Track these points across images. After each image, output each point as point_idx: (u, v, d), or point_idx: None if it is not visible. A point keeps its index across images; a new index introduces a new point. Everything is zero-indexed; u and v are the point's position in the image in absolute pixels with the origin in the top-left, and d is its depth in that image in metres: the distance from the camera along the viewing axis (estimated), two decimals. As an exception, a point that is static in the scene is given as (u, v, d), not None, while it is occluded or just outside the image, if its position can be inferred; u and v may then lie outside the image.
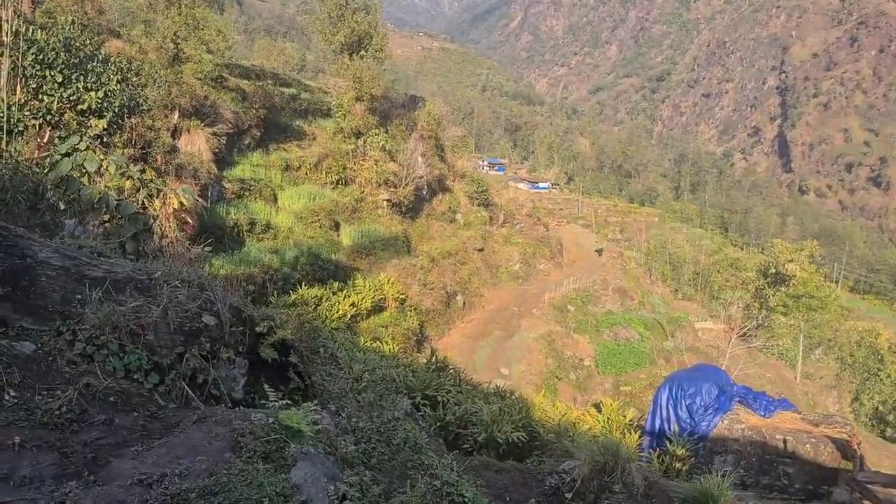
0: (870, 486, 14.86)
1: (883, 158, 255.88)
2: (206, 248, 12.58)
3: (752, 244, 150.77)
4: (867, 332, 79.17)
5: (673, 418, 20.15)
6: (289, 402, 5.32)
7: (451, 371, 24.78)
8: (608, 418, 21.12)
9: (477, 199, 57.09)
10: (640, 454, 20.05)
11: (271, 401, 5.05)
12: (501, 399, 23.48)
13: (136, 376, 5.03)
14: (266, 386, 5.93)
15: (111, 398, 4.66)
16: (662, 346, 54.02)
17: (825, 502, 18.09)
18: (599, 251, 60.93)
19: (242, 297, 6.48)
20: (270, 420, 4.47)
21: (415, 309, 37.67)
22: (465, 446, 19.58)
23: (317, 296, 28.73)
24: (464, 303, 45.64)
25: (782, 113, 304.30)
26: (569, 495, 9.20)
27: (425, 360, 26.34)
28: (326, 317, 27.90)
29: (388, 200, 42.55)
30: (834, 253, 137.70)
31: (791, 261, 77.16)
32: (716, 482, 8.43)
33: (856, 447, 18.16)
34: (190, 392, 5.06)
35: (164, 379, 5.05)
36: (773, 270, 78.78)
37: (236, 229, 30.19)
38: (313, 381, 6.39)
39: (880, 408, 67.07)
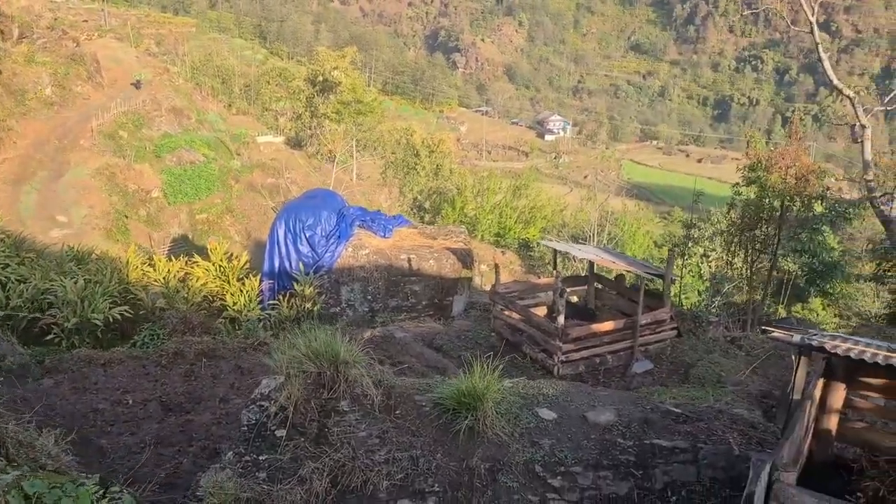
0: (509, 296, 15.02)
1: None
2: None
3: (293, 53, 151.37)
4: (404, 131, 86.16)
5: (294, 255, 18.01)
6: None
7: (2, 237, 18.62)
8: (220, 266, 18.07)
9: (-27, 6, 43.83)
10: (264, 302, 17.79)
11: None
12: (81, 264, 18.52)
13: None
14: None
15: None
16: (230, 165, 51.03)
17: (448, 313, 18.40)
18: (137, 83, 52.48)
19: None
20: None
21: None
22: (49, 336, 14.91)
23: None
24: (-16, 141, 35.76)
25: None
26: (281, 433, 6.41)
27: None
28: None
29: None
30: (365, 58, 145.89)
31: (336, 68, 78.41)
32: (480, 374, 6.46)
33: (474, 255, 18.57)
34: None
35: None
36: (320, 79, 79.35)
37: None
38: None
39: (418, 197, 74.45)
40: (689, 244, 29.70)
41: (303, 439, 6.39)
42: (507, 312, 14.80)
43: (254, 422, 6.56)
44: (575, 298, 17.40)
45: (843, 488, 5.92)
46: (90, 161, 38.80)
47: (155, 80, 57.17)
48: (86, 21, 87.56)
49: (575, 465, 6.18)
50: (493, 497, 6.02)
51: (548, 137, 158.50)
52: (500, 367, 6.62)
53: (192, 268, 18.28)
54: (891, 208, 20.48)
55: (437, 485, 6.08)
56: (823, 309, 29.33)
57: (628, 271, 14.83)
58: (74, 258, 19.37)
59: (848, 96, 19.53)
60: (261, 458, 6.26)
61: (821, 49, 19.42)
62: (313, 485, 6.01)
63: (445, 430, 6.44)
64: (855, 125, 19.30)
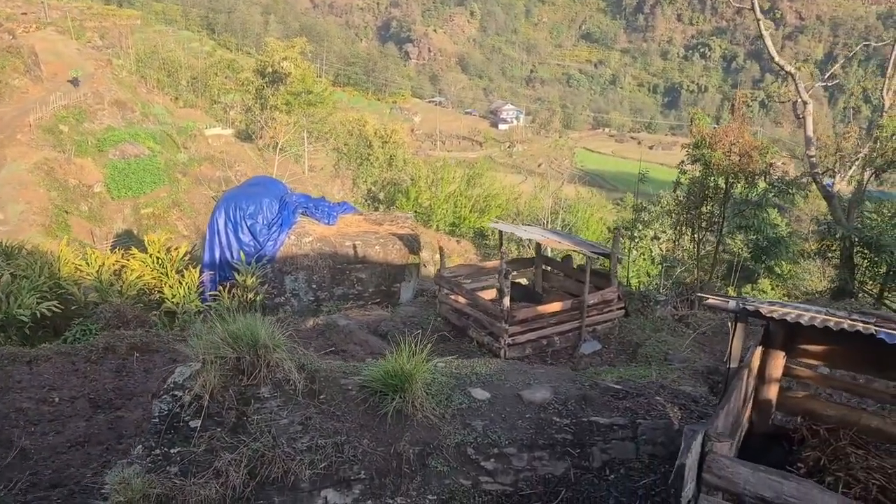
0: (454, 280, 14.70)
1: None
2: None
3: (241, 44, 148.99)
4: (356, 121, 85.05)
5: (235, 244, 17.41)
6: None
7: None
8: (158, 258, 17.38)
9: None
10: (205, 294, 17.18)
11: None
12: (10, 259, 17.66)
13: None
14: None
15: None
16: (177, 159, 49.77)
17: (396, 300, 18.01)
18: (75, 81, 50.44)
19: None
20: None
21: None
22: (-33, 336, 14.17)
23: None
24: None
25: None
26: (196, 423, 5.98)
27: None
28: None
29: None
30: (316, 50, 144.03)
31: (285, 59, 77.18)
32: (409, 353, 6.10)
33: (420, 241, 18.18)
34: None
35: None
36: (269, 70, 78.04)
37: None
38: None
39: (372, 188, 73.74)
40: (639, 227, 29.81)
41: (219, 429, 5.96)
42: (453, 297, 14.49)
43: (166, 412, 6.10)
44: (524, 281, 17.18)
45: (783, 459, 5.74)
46: (28, 156, 37.43)
47: (97, 73, 55.38)
48: (24, 13, 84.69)
49: (509, 446, 5.88)
50: (422, 482, 5.68)
51: (501, 127, 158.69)
52: (429, 345, 6.26)
53: (128, 260, 17.54)
54: (832, 184, 20.74)
55: (363, 472, 5.72)
56: (772, 289, 29.75)
57: (574, 251, 14.65)
58: (3, 253, 18.49)
59: (789, 72, 19.69)
60: (172, 451, 5.82)
61: (762, 25, 19.53)
62: (230, 477, 5.60)
63: (373, 414, 6.08)
64: (797, 101, 19.45)
